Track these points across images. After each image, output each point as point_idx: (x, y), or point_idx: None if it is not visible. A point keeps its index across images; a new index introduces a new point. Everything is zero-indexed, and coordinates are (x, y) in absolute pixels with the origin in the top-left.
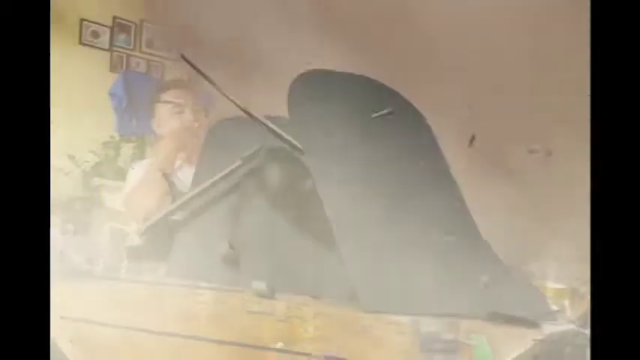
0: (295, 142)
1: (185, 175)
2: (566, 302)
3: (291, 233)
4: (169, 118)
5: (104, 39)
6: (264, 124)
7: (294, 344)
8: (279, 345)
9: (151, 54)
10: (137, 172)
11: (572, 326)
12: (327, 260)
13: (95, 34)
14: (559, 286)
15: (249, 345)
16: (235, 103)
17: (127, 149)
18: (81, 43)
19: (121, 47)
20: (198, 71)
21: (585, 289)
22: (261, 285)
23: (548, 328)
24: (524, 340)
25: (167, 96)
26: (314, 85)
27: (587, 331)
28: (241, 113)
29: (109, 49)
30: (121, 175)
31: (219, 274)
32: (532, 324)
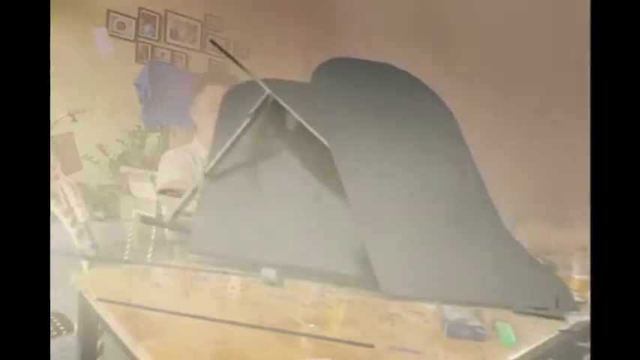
0: (320, 137)
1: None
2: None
3: (312, 217)
4: (207, 111)
5: (130, 30)
6: (291, 113)
7: (323, 328)
8: (311, 327)
9: (175, 44)
10: (169, 162)
11: None
12: (347, 244)
13: (121, 26)
14: (583, 277)
15: (280, 329)
16: (265, 89)
17: (153, 139)
18: (108, 34)
19: (146, 38)
20: (228, 55)
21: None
22: (270, 273)
23: (573, 319)
24: (549, 329)
25: (211, 90)
26: (338, 72)
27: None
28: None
29: (135, 40)
30: (146, 163)
31: (239, 258)
32: (553, 315)
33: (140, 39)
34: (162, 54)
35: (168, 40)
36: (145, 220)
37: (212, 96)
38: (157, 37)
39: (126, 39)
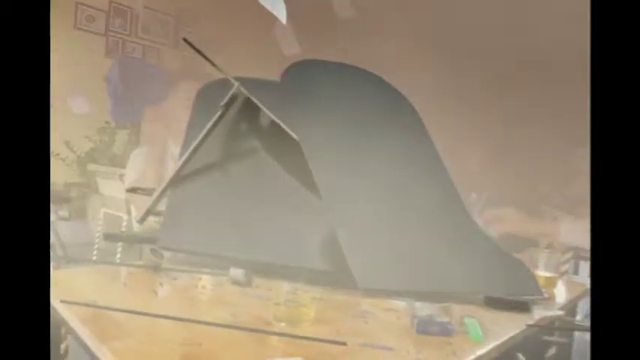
0: (291, 132)
1: None
2: (555, 290)
3: (285, 214)
4: (181, 108)
5: (100, 24)
6: (264, 110)
7: (295, 327)
8: (282, 325)
9: (147, 39)
10: (139, 160)
11: (560, 312)
12: (320, 241)
13: (90, 19)
14: (548, 274)
15: (252, 328)
16: (239, 88)
17: (122, 136)
18: (76, 27)
19: (117, 32)
20: (201, 54)
21: (573, 278)
22: (238, 272)
23: (539, 313)
24: (516, 323)
25: (185, 86)
26: (309, 73)
27: (574, 318)
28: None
29: (105, 34)
30: (115, 161)
31: (210, 255)
32: (524, 309)
33: (110, 33)
34: (134, 49)
35: (140, 34)
36: (109, 237)
37: (186, 93)
38: (128, 32)
39: (95, 33)
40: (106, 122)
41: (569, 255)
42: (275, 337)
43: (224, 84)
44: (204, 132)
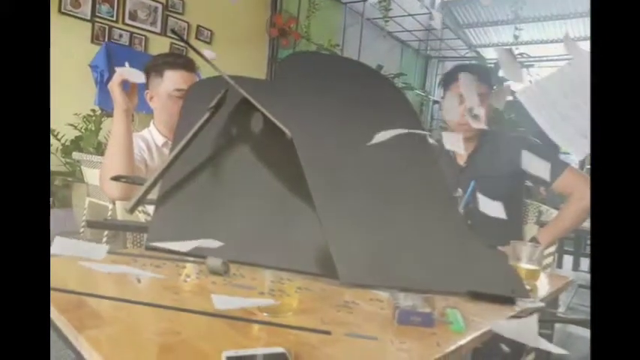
0: (282, 127)
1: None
2: (538, 282)
3: (271, 204)
4: (166, 97)
5: (85, 9)
6: (255, 105)
7: (278, 316)
8: (265, 315)
9: (134, 26)
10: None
11: (541, 304)
12: (305, 231)
13: (76, 4)
14: (531, 267)
15: (232, 316)
16: (227, 79)
17: (109, 123)
18: (60, 11)
19: (103, 18)
20: (189, 45)
21: (556, 271)
22: (216, 262)
23: (521, 305)
24: (499, 314)
25: (175, 76)
26: (302, 66)
27: (556, 310)
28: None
29: (91, 20)
30: (101, 149)
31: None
32: (508, 301)
33: (97, 19)
34: (121, 35)
35: (127, 21)
36: (93, 224)
37: (171, 81)
38: (114, 18)
39: (81, 18)
40: (92, 110)
41: (552, 249)
42: (257, 326)
43: (216, 82)
44: (190, 133)
